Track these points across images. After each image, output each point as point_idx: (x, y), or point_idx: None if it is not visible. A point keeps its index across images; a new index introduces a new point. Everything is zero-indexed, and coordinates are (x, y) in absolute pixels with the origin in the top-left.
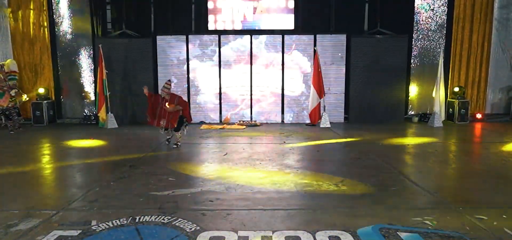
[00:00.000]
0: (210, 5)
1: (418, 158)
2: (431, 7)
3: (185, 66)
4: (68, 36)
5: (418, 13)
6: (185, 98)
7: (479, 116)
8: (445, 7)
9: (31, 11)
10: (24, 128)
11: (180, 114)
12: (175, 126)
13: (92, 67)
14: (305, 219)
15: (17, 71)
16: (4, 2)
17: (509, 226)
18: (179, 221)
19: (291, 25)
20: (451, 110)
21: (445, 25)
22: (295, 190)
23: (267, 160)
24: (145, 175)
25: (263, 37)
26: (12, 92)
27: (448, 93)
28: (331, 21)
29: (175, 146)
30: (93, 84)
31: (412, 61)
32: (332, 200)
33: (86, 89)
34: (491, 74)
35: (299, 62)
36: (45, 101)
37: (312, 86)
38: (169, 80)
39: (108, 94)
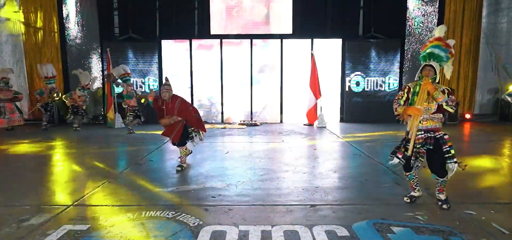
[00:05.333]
0: (212, 10)
1: None
2: (423, 13)
3: (189, 68)
4: (78, 41)
5: (410, 18)
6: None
7: (468, 116)
8: (436, 13)
9: (42, 17)
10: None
11: (184, 123)
12: (179, 140)
13: (101, 70)
14: (302, 214)
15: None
16: (16, 8)
17: (497, 220)
18: (183, 216)
19: (289, 30)
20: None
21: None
22: (293, 187)
23: (266, 158)
24: (150, 171)
25: (262, 41)
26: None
27: None
28: (327, 26)
29: (179, 168)
30: (101, 86)
31: (404, 64)
32: (329, 196)
33: (94, 91)
34: (479, 76)
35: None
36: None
37: (309, 87)
38: (167, 78)
39: (115, 95)
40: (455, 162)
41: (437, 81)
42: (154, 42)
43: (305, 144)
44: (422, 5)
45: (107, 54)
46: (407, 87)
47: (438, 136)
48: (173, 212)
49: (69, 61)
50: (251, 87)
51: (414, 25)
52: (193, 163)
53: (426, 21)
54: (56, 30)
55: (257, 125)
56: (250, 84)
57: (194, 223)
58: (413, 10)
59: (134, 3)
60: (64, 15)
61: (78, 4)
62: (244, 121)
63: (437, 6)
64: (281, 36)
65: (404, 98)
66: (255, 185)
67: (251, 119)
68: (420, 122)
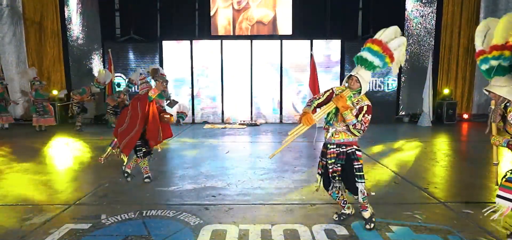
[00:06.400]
0: (212, 11)
1: (408, 156)
2: (421, 14)
3: (189, 69)
4: (79, 41)
5: (408, 19)
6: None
7: (466, 116)
8: (434, 14)
9: (44, 18)
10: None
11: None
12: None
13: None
14: (302, 214)
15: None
16: (20, 10)
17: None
18: (184, 215)
19: (289, 31)
20: (439, 110)
21: (434, 31)
22: (293, 186)
23: (266, 157)
24: (151, 171)
25: (263, 42)
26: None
27: (437, 95)
28: (326, 27)
29: (148, 179)
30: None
31: (403, 65)
32: (328, 196)
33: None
34: (477, 77)
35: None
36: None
37: (308, 88)
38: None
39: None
40: (362, 183)
41: (360, 92)
42: (155, 43)
43: (304, 144)
44: (420, 6)
45: (109, 54)
46: (331, 90)
47: (350, 151)
48: (174, 211)
49: (71, 62)
50: (251, 87)
51: (412, 26)
52: (194, 163)
53: (424, 22)
54: (58, 31)
55: (257, 125)
56: (250, 84)
57: (194, 222)
58: (412, 11)
59: (135, 4)
60: (66, 16)
61: (80, 5)
62: (244, 121)
63: (435, 7)
64: (281, 37)
65: (320, 101)
66: (255, 184)
67: (251, 119)
68: (332, 135)
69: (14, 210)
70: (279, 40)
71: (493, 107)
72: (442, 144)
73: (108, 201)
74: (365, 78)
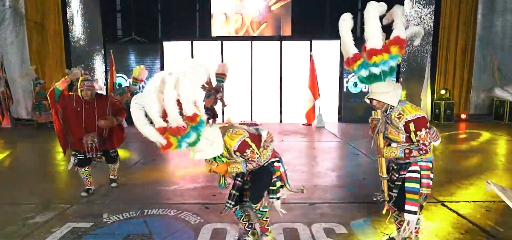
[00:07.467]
0: (213, 12)
1: None
2: (419, 15)
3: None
4: (81, 42)
5: (407, 20)
6: None
7: (463, 116)
8: (432, 16)
9: (47, 19)
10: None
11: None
12: (116, 147)
13: (104, 71)
14: (301, 213)
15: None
16: (22, 11)
17: (492, 218)
18: (184, 214)
19: (288, 32)
20: (437, 110)
21: (432, 32)
22: (292, 185)
23: None
24: (152, 170)
25: (263, 43)
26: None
27: (435, 95)
28: (326, 27)
29: (114, 184)
30: (105, 87)
31: (401, 65)
32: (327, 194)
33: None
34: (474, 77)
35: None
36: None
37: (308, 88)
38: (86, 72)
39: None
40: (278, 198)
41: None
42: (156, 44)
43: (304, 144)
44: (418, 7)
45: (110, 55)
46: None
47: (266, 164)
48: (175, 210)
49: (72, 63)
50: (251, 88)
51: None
52: (194, 162)
53: (422, 23)
54: (60, 32)
55: (257, 125)
56: (250, 84)
57: (195, 221)
58: (410, 12)
59: (137, 5)
60: (68, 17)
61: (82, 6)
62: (244, 121)
63: (433, 9)
64: (281, 38)
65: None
66: None
67: (251, 119)
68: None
69: (17, 208)
70: (279, 41)
71: (378, 117)
72: (439, 144)
73: (110, 200)
74: (212, 139)
